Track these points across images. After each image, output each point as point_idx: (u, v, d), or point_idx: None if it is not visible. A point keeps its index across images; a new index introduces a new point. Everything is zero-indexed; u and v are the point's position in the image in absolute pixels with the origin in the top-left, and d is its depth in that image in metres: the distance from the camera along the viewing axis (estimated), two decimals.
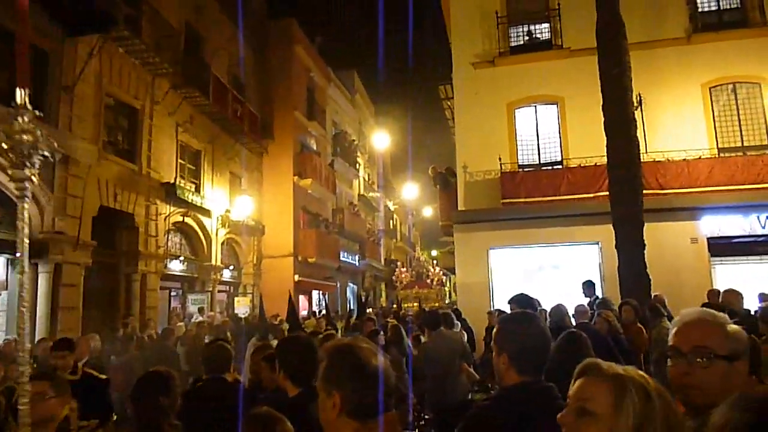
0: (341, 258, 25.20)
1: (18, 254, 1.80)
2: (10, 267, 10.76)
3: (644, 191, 9.45)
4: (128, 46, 13.50)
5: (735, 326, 1.57)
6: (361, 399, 1.56)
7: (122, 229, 13.85)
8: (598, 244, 12.30)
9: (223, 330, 11.47)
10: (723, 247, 12.24)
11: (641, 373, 1.30)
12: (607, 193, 9.76)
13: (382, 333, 7.31)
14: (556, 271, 13.09)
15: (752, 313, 5.76)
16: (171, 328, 10.91)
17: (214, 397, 3.62)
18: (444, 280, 33.60)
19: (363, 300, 13.65)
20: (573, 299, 8.37)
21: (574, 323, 6.59)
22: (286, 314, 12.73)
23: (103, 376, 4.93)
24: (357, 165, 29.58)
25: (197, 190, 17.09)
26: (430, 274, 31.17)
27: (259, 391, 3.80)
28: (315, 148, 24.29)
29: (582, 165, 12.70)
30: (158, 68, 14.62)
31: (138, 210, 13.99)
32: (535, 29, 14.53)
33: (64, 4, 10.94)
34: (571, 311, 6.79)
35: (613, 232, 9.21)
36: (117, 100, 13.67)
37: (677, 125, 12.94)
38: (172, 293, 16.45)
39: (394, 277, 31.88)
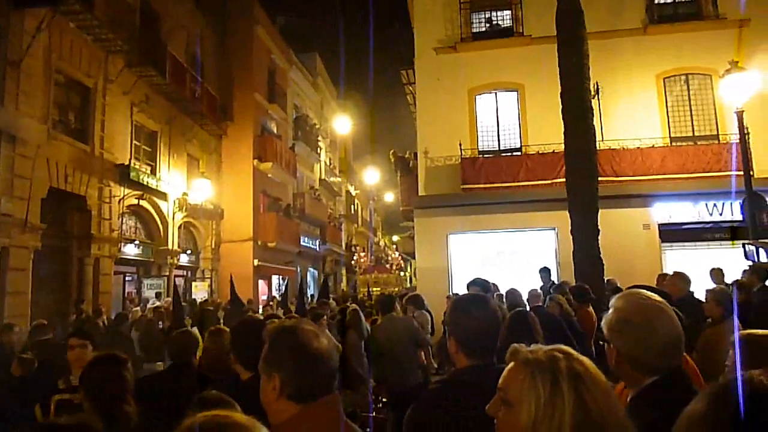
0: (302, 243, 25.03)
1: None
2: None
3: (599, 178, 9.66)
4: (80, 21, 12.97)
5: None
6: (301, 381, 1.53)
7: (74, 212, 13.40)
8: (554, 229, 12.56)
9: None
10: (673, 234, 12.68)
11: (561, 355, 1.24)
12: (564, 179, 9.94)
13: (324, 317, 7.36)
14: (514, 257, 13.32)
15: (694, 296, 6.00)
16: (125, 314, 10.70)
17: (173, 382, 3.56)
18: (404, 265, 33.91)
19: (323, 286, 13.60)
20: (530, 284, 8.54)
21: (528, 308, 6.73)
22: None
23: None
24: (318, 149, 29.32)
25: (153, 172, 16.65)
26: (389, 259, 31.33)
27: (222, 375, 3.75)
28: (275, 131, 23.96)
29: (540, 152, 12.90)
30: (112, 45, 14.10)
31: (90, 192, 13.54)
32: (497, 16, 14.61)
33: None
34: (525, 296, 6.94)
35: (569, 218, 9.41)
36: (68, 78, 13.14)
37: (632, 114, 13.26)
38: (127, 278, 16.06)
39: (353, 262, 31.97)
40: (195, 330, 5.32)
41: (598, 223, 9.20)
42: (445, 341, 6.88)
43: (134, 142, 15.79)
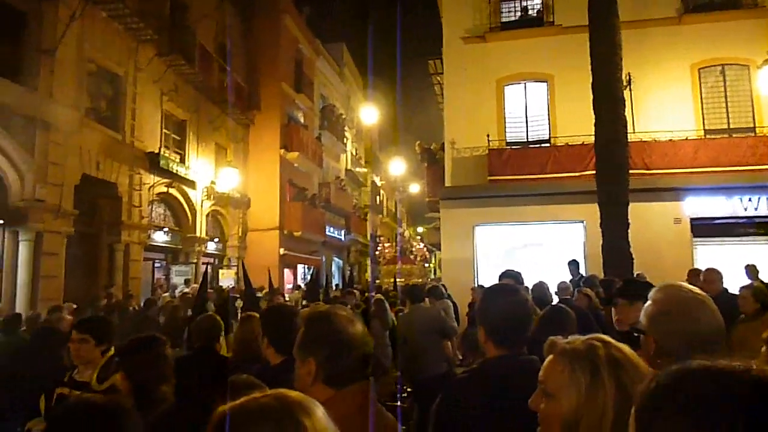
0: (327, 232, 25.16)
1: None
2: None
3: (630, 171, 9.48)
4: (112, 10, 13.16)
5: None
6: (335, 366, 1.55)
7: (105, 199, 13.66)
8: (582, 222, 12.38)
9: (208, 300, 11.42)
10: (705, 228, 12.39)
11: (599, 343, 1.25)
12: (594, 172, 9.78)
13: (348, 306, 7.36)
14: (539, 249, 13.18)
15: (729, 292, 5.86)
16: (153, 299, 10.88)
17: (197, 367, 3.60)
18: (428, 257, 33.80)
19: (349, 275, 13.68)
20: (556, 277, 8.44)
21: (556, 300, 6.66)
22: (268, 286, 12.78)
23: None
24: (344, 139, 29.37)
25: (182, 160, 16.88)
26: (414, 250, 31.28)
27: (252, 363, 3.79)
28: (302, 121, 24.05)
29: (569, 144, 12.71)
30: (143, 34, 14.29)
31: (121, 179, 13.79)
32: (526, 5, 14.39)
33: None
34: (553, 289, 6.86)
35: (598, 211, 9.26)
36: (99, 66, 13.36)
37: (665, 106, 12.98)
38: (156, 264, 16.34)
39: (377, 253, 32.03)
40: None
41: (628, 217, 9.05)
42: (470, 333, 6.87)
43: (164, 130, 16.01)
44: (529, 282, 7.50)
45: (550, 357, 1.29)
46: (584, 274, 9.45)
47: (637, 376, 1.17)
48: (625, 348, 1.24)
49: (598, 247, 9.35)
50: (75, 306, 9.14)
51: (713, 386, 0.72)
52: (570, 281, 8.05)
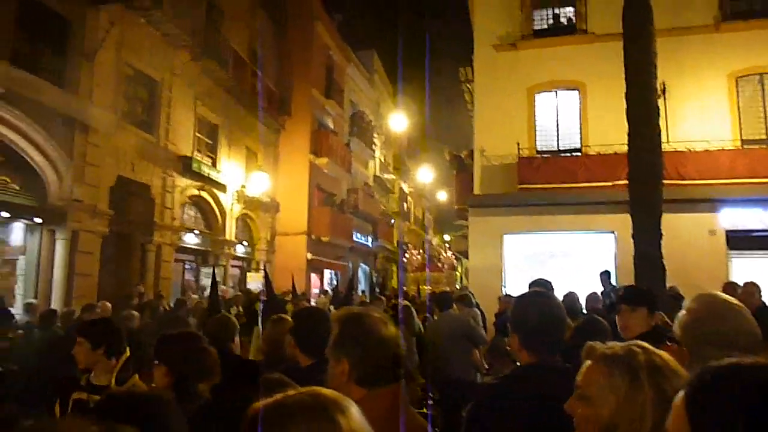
0: (354, 238, 25.24)
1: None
2: (28, 232, 10.91)
3: (664, 181, 9.31)
4: (149, 16, 13.47)
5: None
6: (368, 366, 1.56)
7: (138, 200, 13.95)
8: (613, 233, 12.20)
9: (235, 304, 11.58)
10: (741, 240, 12.08)
11: (639, 349, 1.25)
12: (626, 182, 9.62)
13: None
14: (569, 259, 13.02)
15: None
16: (183, 299, 11.06)
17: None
18: (456, 265, 33.66)
19: (376, 281, 13.71)
20: (586, 287, 8.32)
21: (584, 311, 6.58)
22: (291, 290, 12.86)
23: None
24: (373, 146, 29.48)
25: (214, 164, 17.15)
26: (441, 257, 31.16)
27: (280, 364, 3.82)
28: (332, 126, 24.23)
29: (601, 153, 12.55)
30: (178, 39, 14.60)
31: (155, 181, 14.08)
32: (559, 12, 14.28)
33: None
34: (582, 299, 6.77)
35: (630, 221, 9.10)
36: (136, 70, 13.69)
37: (701, 115, 12.72)
38: (186, 266, 16.61)
39: (404, 260, 31.99)
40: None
41: (661, 228, 8.88)
42: (497, 342, 6.79)
43: (196, 134, 16.30)
44: (558, 292, 7.43)
45: (588, 362, 1.29)
46: (616, 285, 9.31)
47: (677, 383, 1.16)
48: (665, 354, 1.23)
49: (629, 258, 9.18)
50: (110, 304, 9.33)
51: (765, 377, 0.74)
52: (601, 292, 7.93)
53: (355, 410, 0.99)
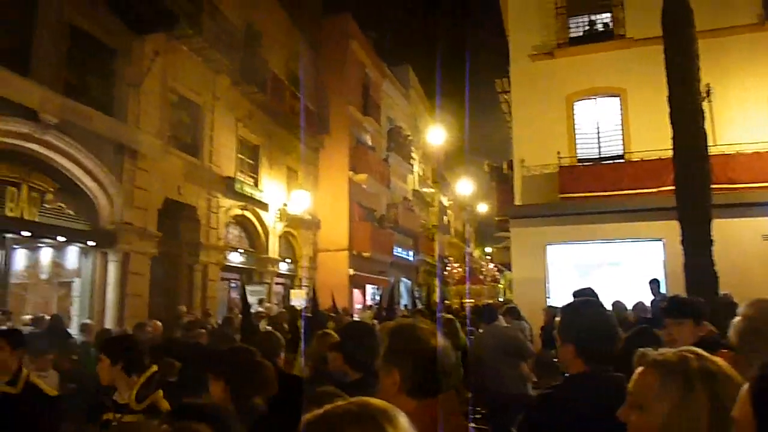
0: (395, 253, 25.26)
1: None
2: (82, 255, 11.34)
3: (713, 186, 9.04)
4: (191, 43, 13.94)
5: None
6: (419, 377, 1.58)
7: (185, 221, 14.34)
8: (661, 240, 11.87)
9: (279, 320, 11.72)
10: None
11: (692, 355, 1.23)
12: (672, 187, 9.38)
13: None
14: (615, 268, 12.73)
15: None
16: (230, 317, 11.26)
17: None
18: (498, 277, 33.28)
19: (417, 295, 13.69)
20: (634, 297, 8.12)
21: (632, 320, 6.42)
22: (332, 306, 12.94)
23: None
24: (411, 160, 29.56)
25: (256, 184, 17.51)
26: (483, 270, 30.83)
27: (325, 378, 3.87)
28: (370, 143, 24.43)
29: (645, 159, 12.28)
30: (219, 65, 15.04)
31: (200, 203, 14.46)
32: (596, 19, 14.12)
33: (131, 4, 11.39)
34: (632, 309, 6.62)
35: (679, 228, 8.86)
36: (180, 96, 14.15)
37: (748, 116, 12.33)
38: (231, 284, 16.92)
39: (445, 273, 31.79)
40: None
41: (711, 234, 8.61)
42: (544, 355, 6.68)
43: (238, 155, 16.69)
44: (605, 303, 7.28)
45: (641, 369, 1.28)
46: (666, 294, 9.05)
47: (732, 388, 1.14)
48: (720, 360, 1.21)
49: (679, 266, 8.92)
50: (160, 323, 9.59)
51: None
52: (651, 302, 7.73)
53: (403, 420, 0.99)
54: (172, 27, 12.61)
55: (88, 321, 10.31)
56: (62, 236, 10.53)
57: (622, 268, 12.60)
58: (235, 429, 1.54)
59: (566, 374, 2.17)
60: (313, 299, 11.06)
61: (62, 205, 10.52)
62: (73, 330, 9.95)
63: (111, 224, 11.32)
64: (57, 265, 11.72)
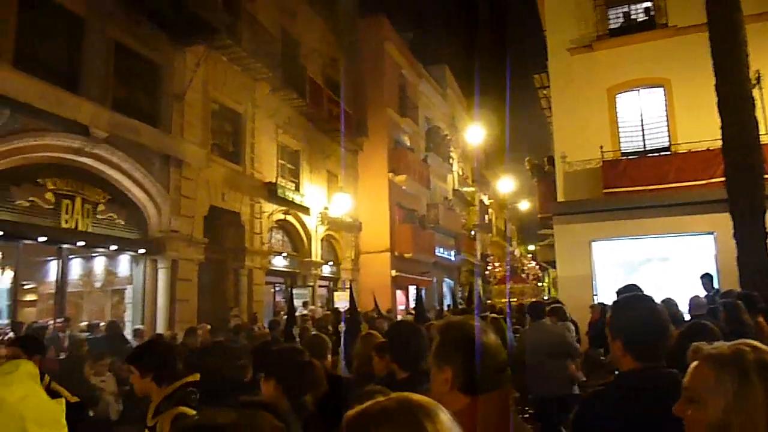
0: (437, 253, 25.21)
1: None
2: (134, 263, 11.73)
3: (766, 176, 8.72)
4: (231, 53, 14.24)
5: None
6: (470, 373, 1.59)
7: (230, 227, 14.66)
8: (713, 234, 11.50)
9: (324, 322, 11.86)
10: None
11: (748, 348, 1.22)
12: (722, 179, 9.09)
13: None
14: (665, 264, 12.39)
15: None
16: (277, 320, 11.48)
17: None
18: (541, 275, 32.79)
19: (461, 295, 13.64)
20: (684, 293, 7.88)
21: (687, 317, 6.24)
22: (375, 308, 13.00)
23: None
24: (450, 160, 29.45)
25: (297, 188, 17.76)
26: (526, 268, 30.40)
27: (369, 379, 3.92)
28: (408, 144, 24.45)
29: (692, 150, 11.93)
30: (258, 73, 15.32)
31: (244, 209, 14.76)
32: (636, 9, 13.79)
33: (172, 18, 11.72)
34: (683, 305, 6.44)
35: (731, 221, 8.57)
36: (222, 105, 14.48)
37: None
38: (276, 288, 17.21)
39: (487, 272, 31.53)
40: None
41: (766, 226, 8.30)
42: (592, 353, 6.55)
43: (279, 161, 16.96)
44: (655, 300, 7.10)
45: (695, 363, 1.27)
46: (719, 289, 8.76)
47: None
48: None
49: (731, 260, 8.63)
50: (209, 327, 9.86)
51: None
52: (704, 297, 7.49)
53: (444, 416, 0.98)
54: (212, 38, 12.92)
55: (140, 326, 10.69)
56: (114, 245, 10.92)
57: (671, 263, 12.25)
58: (293, 425, 1.59)
59: (617, 372, 2.15)
60: (351, 300, 11.15)
61: (113, 215, 10.91)
62: (128, 335, 10.31)
63: (159, 232, 11.67)
64: (110, 273, 12.17)
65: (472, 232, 33.21)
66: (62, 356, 7.82)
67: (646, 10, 13.53)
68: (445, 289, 28.14)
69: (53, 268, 10.49)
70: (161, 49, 12.05)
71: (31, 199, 9.17)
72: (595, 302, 11.53)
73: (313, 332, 6.33)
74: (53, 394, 3.26)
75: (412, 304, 21.44)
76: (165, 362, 2.95)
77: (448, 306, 20.82)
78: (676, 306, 6.13)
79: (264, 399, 1.69)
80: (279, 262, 16.66)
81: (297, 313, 14.32)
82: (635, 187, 12.18)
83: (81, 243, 10.22)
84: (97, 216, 10.49)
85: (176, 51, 12.43)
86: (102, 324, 10.01)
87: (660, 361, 1.96)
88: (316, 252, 18.42)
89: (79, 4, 10.05)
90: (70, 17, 9.98)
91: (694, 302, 6.29)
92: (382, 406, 0.98)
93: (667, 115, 13.01)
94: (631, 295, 2.30)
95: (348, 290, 20.02)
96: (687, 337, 3.01)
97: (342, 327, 11.49)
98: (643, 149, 13.18)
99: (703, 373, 1.23)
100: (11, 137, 8.53)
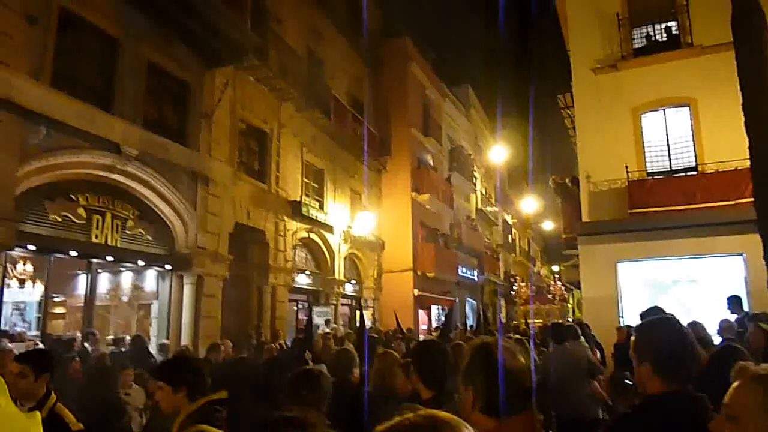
0: (460, 272, 25.08)
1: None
2: (160, 278, 11.92)
3: None
4: (258, 74, 14.54)
5: None
6: (490, 395, 1.59)
7: (254, 244, 14.83)
8: (742, 255, 11.28)
9: (346, 341, 11.87)
10: None
11: None
12: (751, 199, 8.94)
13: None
14: (692, 286, 12.17)
15: None
16: (299, 338, 11.52)
17: (337, 398, 3.82)
18: (566, 296, 32.36)
19: (483, 315, 13.53)
20: (715, 315, 7.74)
21: (716, 341, 6.13)
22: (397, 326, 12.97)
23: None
24: (474, 179, 29.42)
25: (321, 207, 17.91)
26: (551, 289, 30.03)
27: (389, 395, 3.93)
28: (432, 163, 24.53)
29: (720, 170, 11.76)
30: (284, 93, 15.60)
31: (268, 226, 14.93)
32: (660, 28, 13.73)
33: (204, 39, 12.04)
34: (711, 328, 6.33)
35: (761, 242, 8.41)
36: (249, 125, 14.75)
37: None
38: (299, 305, 17.28)
39: (512, 293, 31.19)
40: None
41: None
42: (619, 376, 6.45)
43: (304, 179, 17.16)
44: (683, 322, 6.97)
45: (739, 382, 1.28)
46: (748, 312, 8.57)
47: None
48: None
49: (762, 282, 8.42)
50: (231, 343, 9.94)
51: None
52: (735, 319, 7.35)
53: None
54: (240, 59, 13.21)
55: (166, 341, 10.82)
56: (142, 260, 11.12)
57: (700, 285, 12.03)
58: None
59: (643, 395, 2.12)
60: (360, 320, 11.13)
61: (142, 231, 11.13)
62: (153, 349, 10.44)
63: (186, 248, 11.86)
64: (137, 287, 12.37)
65: (497, 252, 32.98)
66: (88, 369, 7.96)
67: (671, 29, 13.47)
68: (467, 309, 27.92)
69: (82, 281, 10.70)
70: (191, 69, 12.36)
71: (63, 214, 9.41)
72: (621, 324, 11.36)
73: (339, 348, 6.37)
74: (55, 417, 3.18)
75: (434, 324, 21.34)
76: (199, 378, 2.86)
77: (471, 326, 20.64)
78: (704, 329, 6.02)
79: (299, 413, 1.73)
80: (302, 280, 16.76)
81: (320, 331, 14.42)
82: (662, 208, 12.03)
83: (110, 258, 10.44)
84: (126, 231, 10.71)
85: (206, 71, 12.74)
86: (128, 338, 10.16)
87: (687, 384, 1.94)
88: (339, 270, 18.49)
89: (115, 26, 10.39)
90: (106, 38, 10.32)
91: (723, 325, 6.17)
92: (411, 421, 1.02)
93: (693, 135, 12.86)
94: (657, 317, 2.28)
95: (371, 309, 20.10)
96: (719, 360, 2.97)
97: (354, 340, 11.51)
98: (669, 169, 13.03)
99: (746, 392, 1.24)
100: (47, 154, 8.80)
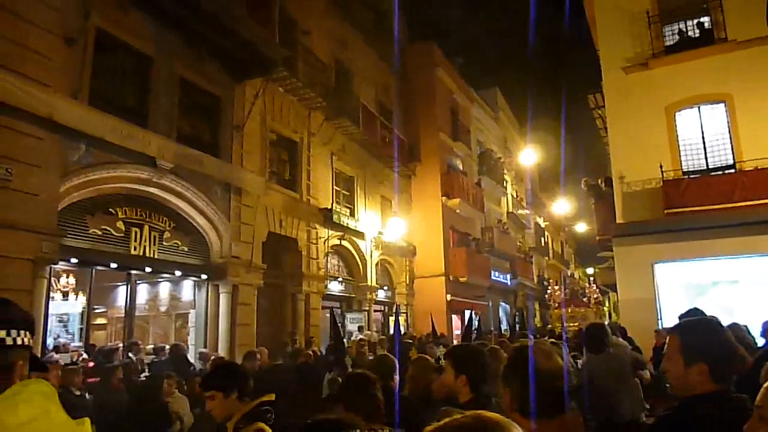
0: (492, 277, 24.90)
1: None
2: (196, 288, 12.15)
3: None
4: (287, 85, 14.74)
5: None
6: (525, 397, 1.62)
7: (287, 253, 15.01)
8: None
9: (380, 347, 11.91)
10: None
11: None
12: None
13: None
14: (733, 286, 11.87)
15: None
16: (332, 344, 11.60)
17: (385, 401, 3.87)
18: (602, 299, 31.79)
19: (518, 318, 13.43)
20: (757, 317, 7.55)
21: (760, 343, 5.97)
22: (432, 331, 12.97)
23: None
24: (504, 182, 29.21)
25: (352, 214, 18.02)
26: (586, 291, 29.55)
27: (426, 399, 3.96)
28: (461, 168, 24.45)
29: (759, 167, 11.47)
30: (313, 103, 15.77)
31: (300, 234, 15.10)
32: (693, 24, 13.47)
33: (234, 54, 12.28)
34: (754, 330, 6.17)
35: None
36: (279, 135, 14.95)
37: None
38: (333, 312, 17.36)
39: (546, 296, 30.80)
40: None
41: None
42: (658, 380, 6.29)
43: (334, 187, 17.30)
44: (724, 324, 6.80)
45: None
46: None
47: None
48: None
49: None
50: (266, 350, 10.08)
51: None
52: None
53: None
54: (269, 71, 13.42)
55: (204, 350, 11.03)
56: (178, 271, 11.36)
57: (741, 286, 11.72)
58: None
59: (682, 397, 2.10)
60: (395, 325, 11.18)
61: (178, 242, 11.38)
62: (191, 358, 10.65)
63: (221, 258, 12.08)
64: (174, 297, 12.65)
65: (530, 255, 32.63)
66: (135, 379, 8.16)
67: (703, 24, 13.20)
68: (501, 313, 27.68)
69: (122, 293, 10.99)
70: (222, 83, 12.61)
71: (103, 227, 9.70)
72: (660, 326, 11.14)
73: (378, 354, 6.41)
74: None
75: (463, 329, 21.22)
76: (246, 381, 3.00)
77: (505, 330, 20.48)
78: (745, 330, 5.88)
79: (341, 416, 1.77)
80: (335, 287, 16.88)
81: (353, 338, 14.49)
82: (699, 207, 11.77)
83: (148, 269, 10.69)
84: (163, 243, 10.96)
85: (236, 84, 12.98)
86: (167, 347, 10.38)
87: (731, 384, 1.94)
88: (371, 276, 18.56)
89: (149, 45, 10.69)
90: (140, 57, 10.62)
91: (767, 327, 6.01)
92: (460, 422, 1.03)
93: (730, 132, 12.56)
94: (705, 318, 2.25)
95: (403, 315, 20.09)
96: (764, 362, 2.91)
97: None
98: (705, 167, 12.75)
99: None
100: (86, 170, 9.10)
